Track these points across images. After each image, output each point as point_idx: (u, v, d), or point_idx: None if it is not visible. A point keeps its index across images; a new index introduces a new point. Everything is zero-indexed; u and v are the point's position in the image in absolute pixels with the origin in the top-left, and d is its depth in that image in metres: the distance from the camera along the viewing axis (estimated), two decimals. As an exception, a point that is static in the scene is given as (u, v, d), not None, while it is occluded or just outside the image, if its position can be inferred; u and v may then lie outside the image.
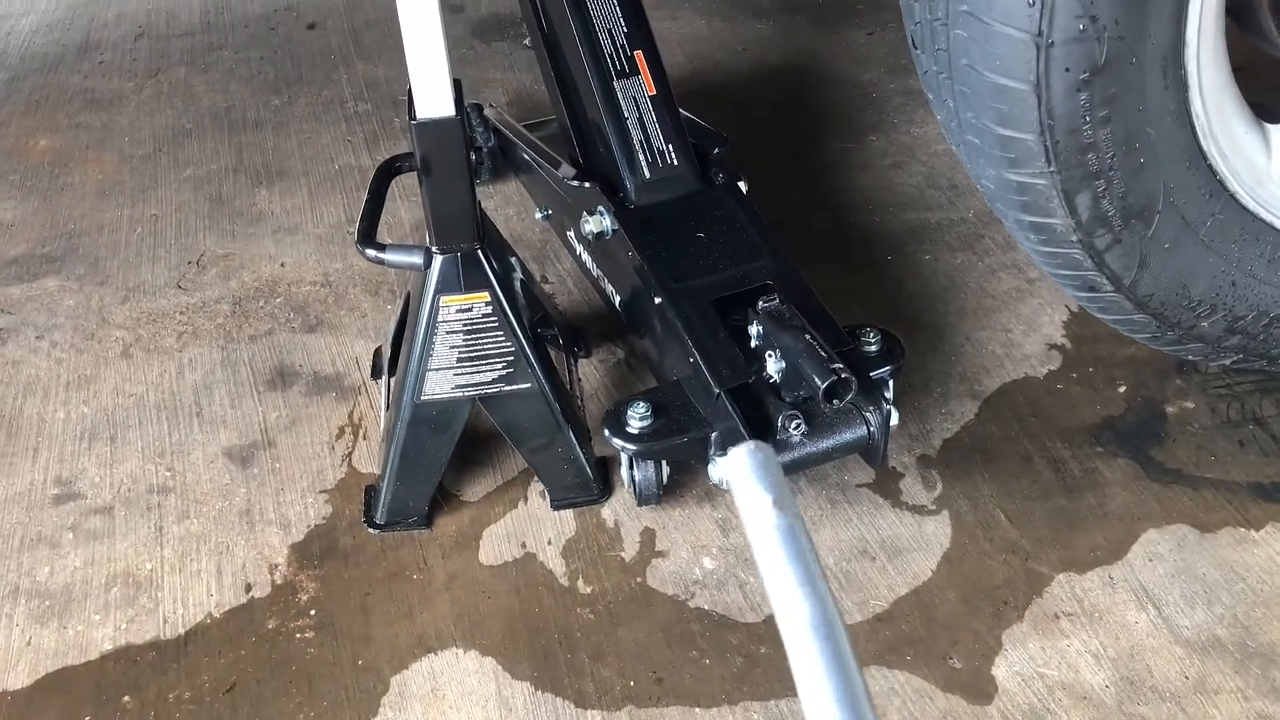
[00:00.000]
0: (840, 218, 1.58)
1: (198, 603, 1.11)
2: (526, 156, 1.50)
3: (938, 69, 0.99)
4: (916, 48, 1.04)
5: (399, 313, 1.29)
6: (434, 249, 1.09)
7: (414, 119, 1.02)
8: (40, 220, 1.65)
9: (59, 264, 1.56)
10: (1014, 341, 1.36)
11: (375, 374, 1.36)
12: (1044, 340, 1.36)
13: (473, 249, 1.10)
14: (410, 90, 1.02)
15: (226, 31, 2.15)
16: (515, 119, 1.64)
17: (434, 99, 1.02)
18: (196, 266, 1.55)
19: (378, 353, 1.38)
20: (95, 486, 1.23)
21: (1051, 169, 0.93)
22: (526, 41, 1.99)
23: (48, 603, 1.11)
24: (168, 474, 1.24)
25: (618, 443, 1.10)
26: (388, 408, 1.28)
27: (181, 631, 1.08)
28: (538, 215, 1.49)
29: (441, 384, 1.13)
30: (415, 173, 1.10)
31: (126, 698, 1.02)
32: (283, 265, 1.55)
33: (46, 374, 1.38)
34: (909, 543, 1.14)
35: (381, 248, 1.09)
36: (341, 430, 1.30)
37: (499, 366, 1.13)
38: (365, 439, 1.28)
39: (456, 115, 1.02)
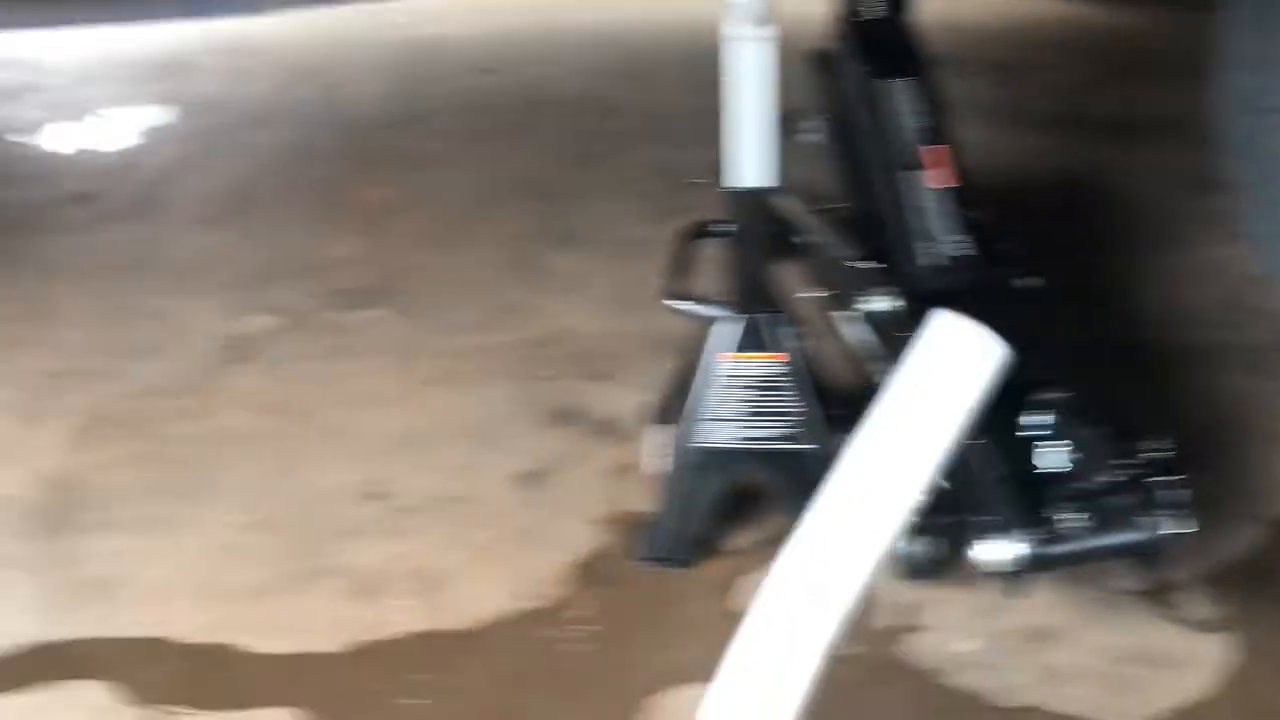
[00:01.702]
0: (1130, 329, 1.58)
1: (486, 604, 1.22)
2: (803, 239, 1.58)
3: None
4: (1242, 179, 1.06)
5: (683, 366, 1.38)
6: (735, 309, 1.19)
7: (730, 187, 1.13)
8: (370, 260, 1.87)
9: (382, 298, 1.76)
10: (1301, 468, 1.32)
11: (651, 422, 1.46)
12: (1333, 472, 1.31)
13: (774, 311, 1.19)
14: (723, 160, 1.13)
15: (538, 109, 2.38)
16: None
17: (754, 169, 1.12)
18: (498, 313, 1.72)
19: (655, 404, 1.48)
20: (403, 490, 1.38)
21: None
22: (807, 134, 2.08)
23: (360, 583, 1.25)
24: (464, 488, 1.38)
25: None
26: (663, 454, 1.37)
27: (472, 625, 1.19)
28: (807, 295, 1.56)
29: (723, 434, 1.22)
30: (713, 238, 1.21)
31: (425, 674, 1.13)
32: (572, 319, 1.69)
33: (369, 390, 1.56)
34: (1183, 656, 1.12)
35: (687, 300, 1.19)
36: (616, 469, 1.40)
37: (785, 425, 1.20)
38: (637, 480, 1.37)
39: (772, 188, 1.12)
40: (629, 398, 1.51)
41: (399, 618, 1.21)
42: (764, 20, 1.04)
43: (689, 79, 2.44)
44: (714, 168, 1.16)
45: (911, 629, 1.17)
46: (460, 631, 1.19)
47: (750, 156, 1.12)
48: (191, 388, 1.57)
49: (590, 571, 1.26)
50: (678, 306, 1.20)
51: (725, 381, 1.20)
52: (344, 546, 1.30)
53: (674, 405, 1.40)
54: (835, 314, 1.50)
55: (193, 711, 1.11)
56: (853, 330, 1.46)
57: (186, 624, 1.21)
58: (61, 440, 1.49)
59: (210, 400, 1.55)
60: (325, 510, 1.36)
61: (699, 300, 1.20)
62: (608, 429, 1.47)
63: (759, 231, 1.16)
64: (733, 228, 1.17)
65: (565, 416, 1.49)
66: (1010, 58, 2.46)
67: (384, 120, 2.39)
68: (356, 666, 1.16)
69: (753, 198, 1.14)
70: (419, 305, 1.74)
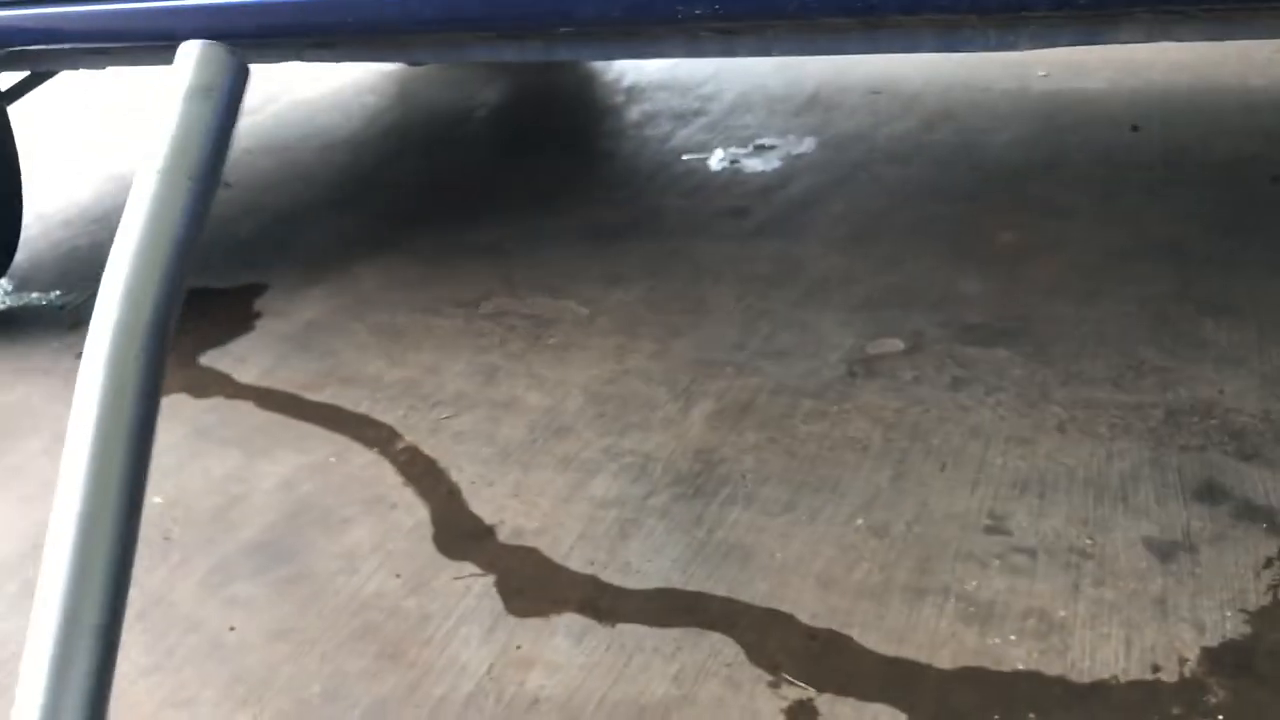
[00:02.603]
0: None
1: (1104, 661, 1.17)
2: None
3: None
4: None
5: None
6: None
7: None
8: (997, 299, 1.87)
9: (1010, 338, 1.75)
10: None
11: (1317, 520, 1.30)
12: None
13: None
14: None
15: (1185, 170, 2.23)
16: None
17: None
18: (1134, 372, 1.63)
19: (1322, 501, 1.32)
20: (1022, 529, 1.36)
21: None
22: None
23: (972, 609, 1.26)
24: (1088, 541, 1.33)
25: None
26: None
27: (1087, 680, 1.15)
28: None
29: None
30: None
31: (1031, 714, 1.11)
32: (1221, 392, 1.55)
33: (990, 425, 1.56)
34: None
35: None
36: (1270, 561, 1.26)
37: None
38: (1297, 578, 1.23)
39: None
40: (1290, 486, 1.36)
41: (1012, 653, 1.19)
42: None
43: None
44: None
45: None
46: (1076, 684, 1.15)
47: None
48: (820, 393, 1.68)
49: (1235, 660, 1.14)
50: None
51: None
52: (959, 569, 1.31)
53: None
54: None
55: (807, 688, 1.19)
56: None
57: (807, 605, 1.29)
58: (705, 418, 1.67)
59: (836, 407, 1.64)
60: (940, 530, 1.38)
61: None
62: (1261, 515, 1.33)
63: None
64: None
65: (1209, 493, 1.38)
66: None
67: (1017, 167, 2.38)
68: (964, 688, 1.16)
69: None
70: (1046, 351, 1.71)
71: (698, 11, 1.10)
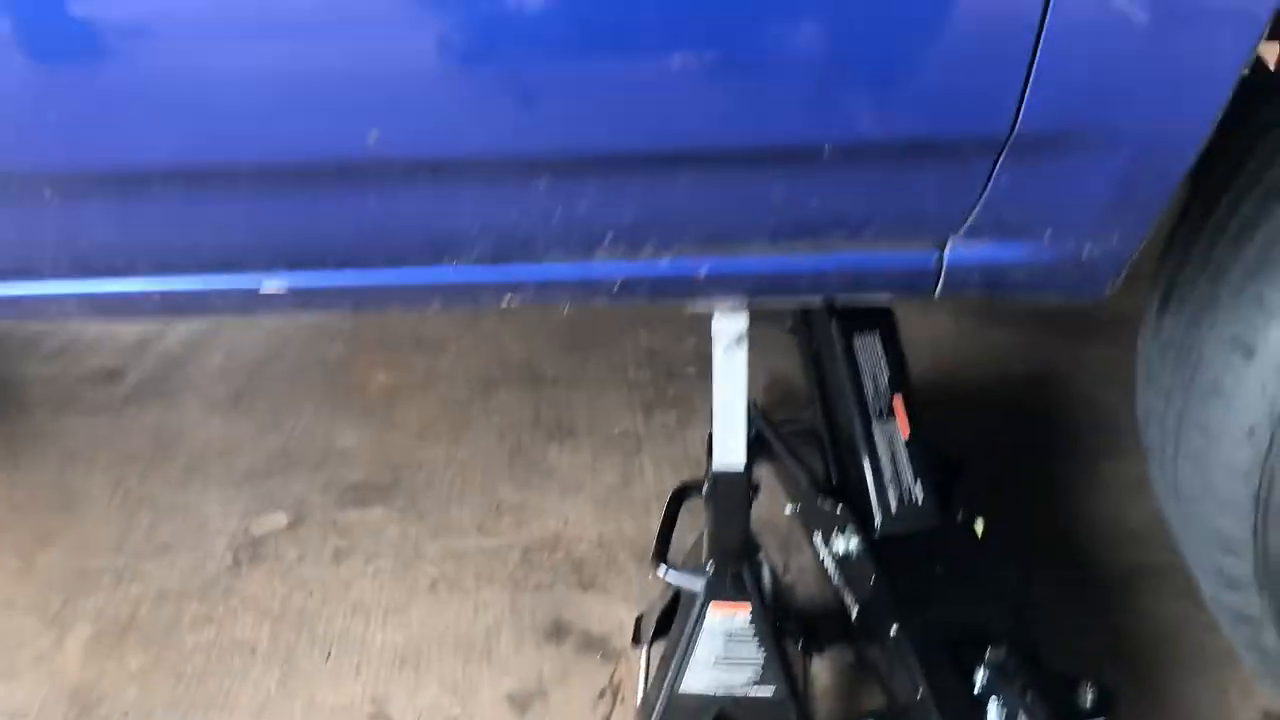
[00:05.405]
0: (1063, 546, 1.70)
1: (475, 835, 1.32)
2: (783, 459, 1.71)
3: (1169, 487, 1.15)
4: (1150, 461, 1.19)
5: (670, 594, 1.50)
6: (709, 564, 1.31)
7: (712, 469, 1.26)
8: (374, 451, 1.99)
9: (386, 495, 1.88)
10: (1230, 705, 1.43)
11: (635, 641, 1.57)
12: (1259, 709, 1.42)
13: (739, 568, 1.31)
14: (711, 439, 1.27)
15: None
16: (771, 409, 1.87)
17: (730, 455, 1.26)
18: (495, 512, 1.83)
19: (639, 620, 1.60)
20: (401, 711, 1.48)
21: (1264, 597, 1.06)
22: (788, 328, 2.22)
23: (359, 812, 1.35)
24: (458, 710, 1.48)
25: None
26: (646, 679, 1.49)
27: None
28: (788, 510, 1.69)
29: (698, 680, 1.33)
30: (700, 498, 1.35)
31: None
32: (566, 521, 1.81)
33: (370, 597, 1.67)
34: None
35: (669, 569, 1.31)
36: (603, 692, 1.51)
37: (750, 671, 1.32)
38: (622, 703, 1.48)
39: (746, 472, 1.25)
40: (618, 611, 1.62)
41: None
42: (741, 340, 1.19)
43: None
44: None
45: None
46: None
47: (726, 442, 1.26)
48: (205, 592, 1.68)
49: (575, 803, 1.36)
50: (663, 574, 1.32)
51: (700, 630, 1.32)
52: (346, 769, 1.41)
53: (661, 624, 1.51)
54: (814, 533, 1.63)
55: None
56: (824, 555, 1.59)
57: None
58: (82, 646, 1.59)
59: (222, 605, 1.66)
60: (330, 728, 1.47)
61: (681, 571, 1.32)
62: (597, 645, 1.57)
63: (733, 505, 1.30)
64: (714, 500, 1.30)
65: (557, 631, 1.60)
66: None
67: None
68: None
69: (729, 479, 1.28)
70: (418, 504, 1.86)
71: None
